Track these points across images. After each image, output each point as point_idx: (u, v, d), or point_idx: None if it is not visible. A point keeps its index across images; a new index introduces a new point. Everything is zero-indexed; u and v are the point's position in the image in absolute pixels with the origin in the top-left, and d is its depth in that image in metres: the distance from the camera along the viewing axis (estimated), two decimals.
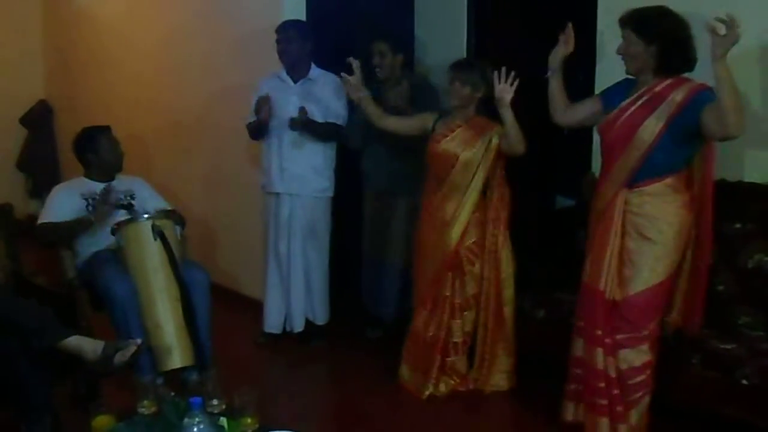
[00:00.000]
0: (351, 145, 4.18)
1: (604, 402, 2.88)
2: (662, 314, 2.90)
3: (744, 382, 2.74)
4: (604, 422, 2.88)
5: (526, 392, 3.54)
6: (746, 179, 3.21)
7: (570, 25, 3.11)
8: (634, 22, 2.77)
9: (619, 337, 2.85)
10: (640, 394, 2.87)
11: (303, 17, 4.35)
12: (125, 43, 5.93)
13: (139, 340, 2.88)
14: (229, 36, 4.82)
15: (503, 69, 3.21)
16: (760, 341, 2.94)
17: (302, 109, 3.94)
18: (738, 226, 3.14)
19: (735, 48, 2.55)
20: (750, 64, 3.16)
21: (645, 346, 2.84)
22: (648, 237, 2.80)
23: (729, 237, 3.14)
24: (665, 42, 2.72)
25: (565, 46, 3.10)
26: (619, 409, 2.87)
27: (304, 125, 3.96)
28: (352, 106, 3.97)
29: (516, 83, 3.19)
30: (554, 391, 3.17)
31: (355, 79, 3.61)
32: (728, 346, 2.89)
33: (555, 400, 3.15)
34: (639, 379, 2.85)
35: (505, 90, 3.21)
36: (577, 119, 3.16)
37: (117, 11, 6.01)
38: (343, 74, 3.63)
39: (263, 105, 3.95)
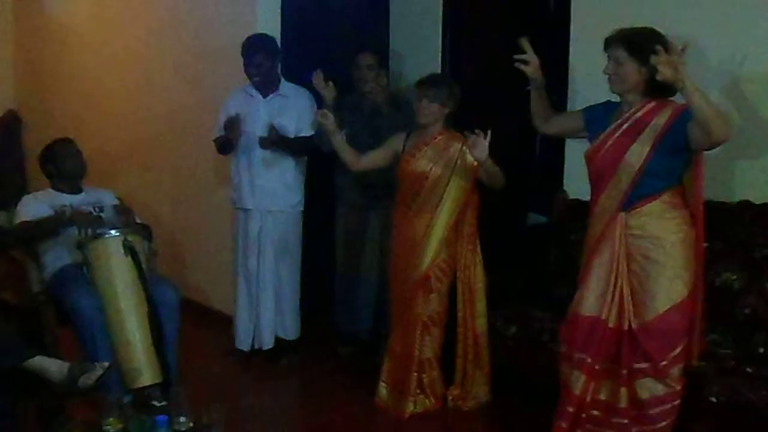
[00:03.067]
0: (324, 149, 4.02)
1: (564, 426, 2.85)
2: (686, 339, 2.77)
3: (712, 399, 2.76)
4: None
5: (500, 409, 3.52)
6: (714, 199, 3.25)
7: (522, 40, 3.04)
8: (627, 42, 2.71)
9: (637, 366, 2.75)
10: (664, 423, 2.76)
11: (278, 28, 4.33)
12: (96, 54, 5.89)
13: (106, 363, 2.82)
14: (201, 48, 4.80)
15: (476, 131, 3.14)
16: (728, 359, 2.97)
17: (272, 128, 3.91)
18: (706, 245, 3.17)
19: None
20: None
21: (669, 377, 2.73)
22: (654, 259, 2.73)
23: None
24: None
25: (528, 64, 3.02)
26: None
27: (274, 143, 3.93)
28: None
29: (489, 137, 3.12)
30: (528, 407, 3.16)
31: (331, 124, 3.51)
32: (697, 364, 2.89)
33: (530, 417, 3.15)
34: (662, 408, 2.76)
35: (479, 150, 3.15)
36: (558, 130, 3.20)
37: (88, 22, 5.98)
38: (319, 120, 3.53)
39: (234, 125, 3.90)
